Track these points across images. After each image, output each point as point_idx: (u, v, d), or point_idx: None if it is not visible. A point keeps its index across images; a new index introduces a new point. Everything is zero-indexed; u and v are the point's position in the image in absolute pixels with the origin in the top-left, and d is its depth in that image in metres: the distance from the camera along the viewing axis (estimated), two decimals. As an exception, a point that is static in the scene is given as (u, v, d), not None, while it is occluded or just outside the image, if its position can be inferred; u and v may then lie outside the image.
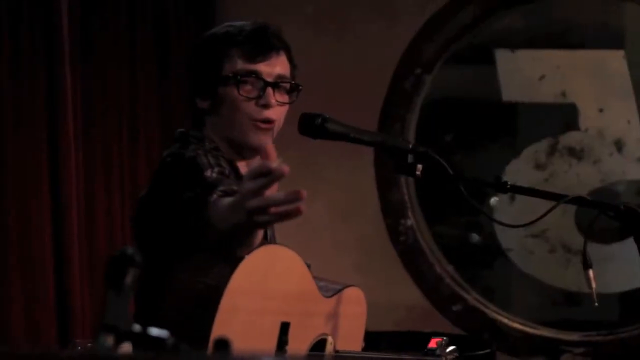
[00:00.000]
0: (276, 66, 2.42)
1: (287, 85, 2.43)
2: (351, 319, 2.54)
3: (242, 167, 2.44)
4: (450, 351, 2.82)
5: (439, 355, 2.79)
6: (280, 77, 2.42)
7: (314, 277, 2.46)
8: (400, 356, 2.66)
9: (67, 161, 4.01)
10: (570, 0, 5.07)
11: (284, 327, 2.28)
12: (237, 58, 2.39)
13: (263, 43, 2.41)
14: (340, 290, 2.51)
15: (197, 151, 2.30)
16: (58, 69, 4.01)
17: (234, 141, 2.41)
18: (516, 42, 5.02)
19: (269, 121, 2.41)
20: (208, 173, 2.23)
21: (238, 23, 2.48)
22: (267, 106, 2.40)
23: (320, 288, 2.45)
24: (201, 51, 2.45)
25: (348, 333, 2.53)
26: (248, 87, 2.39)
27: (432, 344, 2.80)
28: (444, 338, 2.85)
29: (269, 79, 2.40)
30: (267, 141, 2.39)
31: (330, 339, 2.47)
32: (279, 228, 2.58)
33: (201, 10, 4.63)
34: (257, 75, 2.39)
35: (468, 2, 4.85)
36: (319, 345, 2.45)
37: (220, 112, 2.41)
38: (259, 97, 2.39)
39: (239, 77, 2.38)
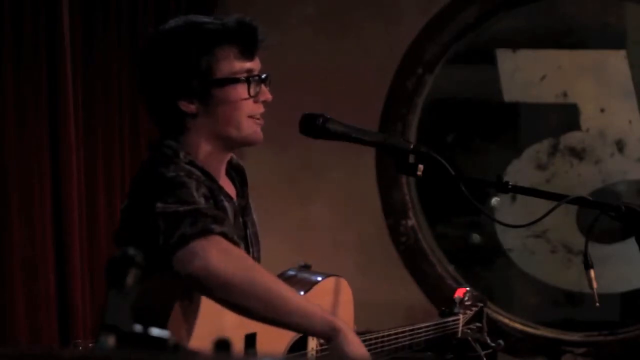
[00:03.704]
0: (258, 60, 2.42)
1: (269, 78, 2.43)
2: (335, 309, 2.50)
3: (217, 170, 2.43)
4: (470, 305, 2.81)
5: (456, 313, 2.78)
6: (262, 71, 2.42)
7: (293, 273, 2.45)
8: (414, 325, 2.66)
9: (69, 161, 4.01)
10: (571, 0, 5.07)
11: (249, 339, 2.26)
12: (233, 57, 2.36)
13: (253, 40, 2.39)
14: (316, 283, 2.47)
15: (178, 172, 2.25)
16: (60, 68, 4.02)
17: (230, 138, 2.38)
18: (517, 42, 5.02)
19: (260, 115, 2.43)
20: (196, 196, 2.20)
21: (204, 18, 2.42)
22: (265, 102, 2.41)
23: (296, 284, 2.42)
24: (184, 52, 2.35)
25: None
26: (250, 85, 2.38)
27: (459, 293, 2.81)
28: (468, 289, 2.85)
29: (258, 74, 2.40)
30: (261, 134, 2.42)
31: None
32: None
33: (203, 8, 4.63)
34: (250, 72, 2.39)
35: (470, 2, 4.85)
36: (300, 343, 2.42)
37: (215, 113, 2.36)
38: (256, 93, 2.39)
39: (245, 77, 2.37)
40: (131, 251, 1.32)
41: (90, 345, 3.49)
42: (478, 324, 2.86)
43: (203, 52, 2.35)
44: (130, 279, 1.30)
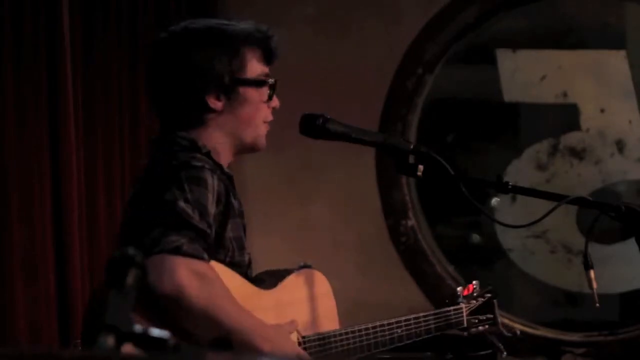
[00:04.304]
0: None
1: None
2: (313, 302, 2.49)
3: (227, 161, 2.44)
4: (477, 296, 2.80)
5: (457, 303, 2.78)
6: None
7: (269, 270, 2.45)
8: (412, 315, 2.66)
9: (69, 161, 4.01)
10: (571, 0, 5.06)
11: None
12: (257, 60, 2.42)
13: (274, 45, 2.44)
14: (283, 278, 2.46)
15: (204, 164, 2.26)
16: (60, 68, 4.02)
17: (244, 141, 2.42)
18: (517, 42, 5.02)
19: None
20: (210, 199, 2.21)
21: (224, 21, 2.46)
22: (275, 108, 2.46)
23: (266, 282, 2.42)
24: (219, 49, 2.38)
25: (315, 315, 2.48)
26: (273, 89, 2.43)
27: (467, 290, 2.81)
28: (475, 282, 2.84)
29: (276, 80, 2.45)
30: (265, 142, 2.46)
31: (286, 327, 2.40)
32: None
33: (203, 9, 4.63)
34: (268, 77, 2.43)
35: (470, 2, 4.85)
36: None
37: (238, 112, 2.40)
38: (269, 99, 2.43)
39: (268, 80, 2.41)
40: (131, 251, 1.32)
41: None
42: (489, 315, 2.84)
43: (235, 51, 2.39)
44: (130, 279, 1.30)
